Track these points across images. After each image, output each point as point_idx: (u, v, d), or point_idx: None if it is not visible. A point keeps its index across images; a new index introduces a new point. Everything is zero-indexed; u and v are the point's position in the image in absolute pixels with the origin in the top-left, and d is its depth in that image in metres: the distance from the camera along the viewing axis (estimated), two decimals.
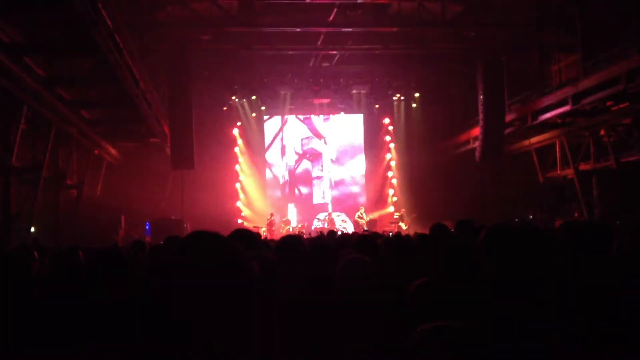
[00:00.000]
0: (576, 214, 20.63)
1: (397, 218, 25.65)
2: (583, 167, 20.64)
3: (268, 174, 28.39)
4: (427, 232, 6.60)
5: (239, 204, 27.04)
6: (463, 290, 2.89)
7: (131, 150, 25.23)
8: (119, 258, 3.48)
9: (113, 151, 24.56)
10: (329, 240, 6.83)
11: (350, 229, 25.13)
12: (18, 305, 2.81)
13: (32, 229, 16.30)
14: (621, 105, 17.85)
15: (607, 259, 4.03)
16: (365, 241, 4.95)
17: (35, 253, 5.02)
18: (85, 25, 12.25)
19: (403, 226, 24.52)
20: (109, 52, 14.05)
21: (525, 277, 3.20)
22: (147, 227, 23.01)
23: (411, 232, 16.67)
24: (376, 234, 9.63)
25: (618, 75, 16.16)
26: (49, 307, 2.88)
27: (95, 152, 22.88)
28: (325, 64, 25.24)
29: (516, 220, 19.72)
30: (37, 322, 2.75)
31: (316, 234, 17.87)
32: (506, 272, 3.27)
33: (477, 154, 23.30)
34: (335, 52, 23.99)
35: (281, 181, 28.38)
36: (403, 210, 26.09)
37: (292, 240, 4.61)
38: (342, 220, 26.73)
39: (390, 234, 14.37)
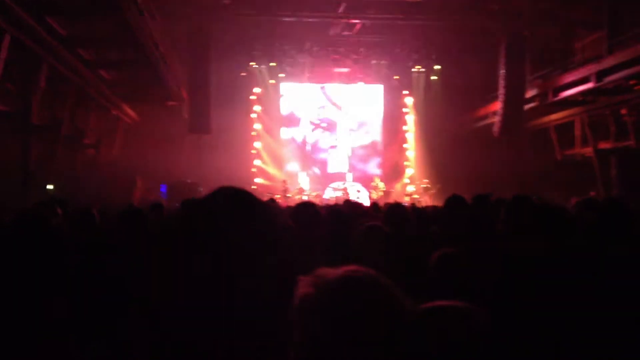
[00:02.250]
0: (593, 193, 20.48)
1: (423, 188, 25.52)
2: (602, 145, 20.44)
3: (284, 142, 28.34)
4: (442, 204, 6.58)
5: (254, 170, 27.07)
6: (483, 263, 2.89)
7: (149, 113, 25.28)
8: (141, 217, 3.51)
9: (131, 113, 24.63)
10: (346, 209, 6.83)
11: (364, 199, 25.11)
12: (39, 261, 2.84)
13: (50, 187, 16.44)
14: None
15: (628, 239, 4.01)
16: (397, 210, 4.90)
17: (59, 209, 5.06)
18: None
19: (425, 199, 24.38)
20: (130, 14, 14.02)
21: (542, 254, 3.21)
22: (163, 189, 23.13)
23: (431, 204, 16.66)
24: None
25: None
26: (70, 264, 2.92)
27: (114, 113, 22.96)
28: (346, 33, 25.00)
29: (534, 197, 19.56)
30: (57, 279, 2.77)
31: (331, 203, 17.87)
32: (523, 248, 3.28)
33: (496, 128, 23.11)
34: (356, 21, 23.74)
35: (296, 149, 28.32)
36: (427, 180, 25.87)
37: (308, 207, 4.62)
38: (357, 190, 26.70)
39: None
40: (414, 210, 6.70)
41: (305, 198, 24.56)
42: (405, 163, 28.46)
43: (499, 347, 1.88)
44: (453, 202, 5.31)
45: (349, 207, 6.73)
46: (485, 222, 3.75)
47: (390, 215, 4.75)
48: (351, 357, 1.45)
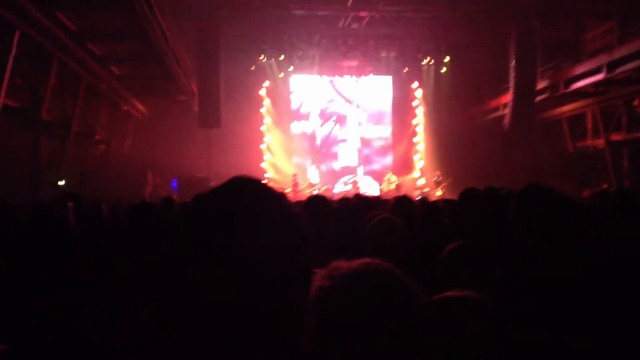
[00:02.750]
0: (605, 185, 20.37)
1: (435, 181, 25.47)
2: (614, 137, 20.31)
3: (293, 136, 28.33)
4: (454, 197, 6.54)
5: (264, 164, 27.07)
6: (496, 255, 2.88)
7: (159, 108, 25.36)
8: (152, 212, 3.51)
9: (141, 108, 24.69)
10: (357, 202, 6.82)
11: (375, 192, 25.08)
12: (51, 256, 2.85)
13: (62, 182, 16.52)
14: None
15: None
16: (403, 203, 4.89)
17: (70, 203, 5.08)
18: None
19: (438, 192, 24.32)
20: (140, 8, 14.03)
21: (555, 244, 3.18)
22: (174, 184, 23.21)
23: (443, 197, 16.61)
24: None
25: None
26: (79, 258, 2.93)
27: (124, 108, 23.03)
28: (355, 26, 24.91)
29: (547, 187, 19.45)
30: (66, 273, 2.78)
31: (341, 197, 17.87)
32: (537, 239, 3.25)
33: (507, 121, 23.02)
34: (365, 14, 23.65)
35: (306, 143, 28.31)
36: (438, 172, 25.79)
37: (319, 200, 4.61)
38: (368, 184, 26.68)
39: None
40: (423, 203, 6.67)
41: (315, 192, 24.56)
42: (415, 156, 28.38)
43: (510, 336, 1.88)
44: (468, 195, 5.29)
45: (360, 201, 6.72)
46: (496, 214, 3.73)
47: (397, 208, 4.74)
48: (366, 347, 1.45)
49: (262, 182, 1.31)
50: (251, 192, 1.25)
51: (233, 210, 1.18)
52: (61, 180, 16.56)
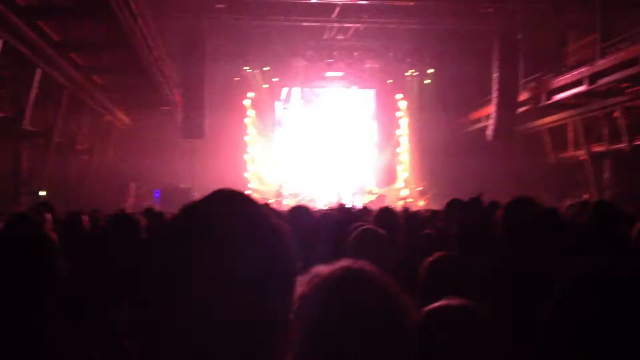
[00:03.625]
0: (586, 196, 20.51)
1: (419, 191, 25.58)
2: (595, 148, 20.47)
3: (278, 146, 28.31)
4: (437, 208, 6.56)
5: (247, 175, 26.99)
6: (478, 267, 2.87)
7: (142, 118, 25.23)
8: (133, 223, 3.48)
9: (124, 118, 24.57)
10: (340, 213, 6.82)
11: (358, 203, 25.07)
12: (27, 267, 2.79)
13: (43, 193, 16.37)
14: (637, 87, 17.64)
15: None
16: (386, 214, 4.87)
17: (48, 215, 5.02)
18: None
19: (421, 202, 24.41)
20: (123, 18, 13.98)
21: (537, 256, 3.20)
22: (156, 194, 23.08)
23: (426, 208, 16.65)
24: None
25: (635, 57, 15.93)
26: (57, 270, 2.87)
27: (107, 118, 22.90)
28: (340, 37, 25.00)
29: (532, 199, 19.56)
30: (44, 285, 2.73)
31: (325, 208, 17.84)
32: (521, 251, 3.26)
33: (490, 132, 23.15)
34: (350, 26, 23.74)
35: (290, 153, 28.30)
36: (424, 183, 25.90)
37: (303, 211, 4.60)
38: (351, 195, 26.68)
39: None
40: (406, 214, 6.67)
41: (298, 202, 24.48)
42: (399, 167, 28.46)
43: (499, 344, 1.87)
44: (453, 206, 5.30)
45: (343, 212, 6.72)
46: (479, 225, 3.74)
47: (380, 219, 4.72)
48: (352, 353, 1.42)
49: (244, 194, 1.26)
50: (232, 206, 1.21)
51: (213, 225, 1.15)
52: (42, 190, 16.41)
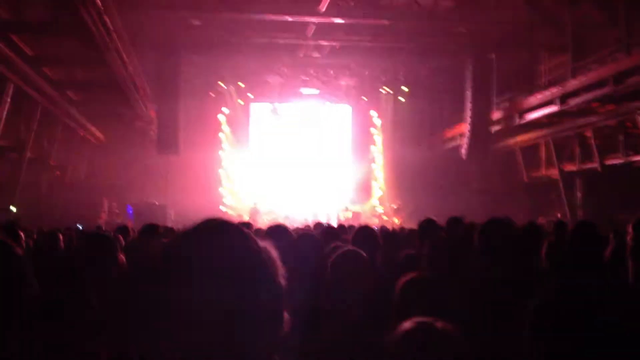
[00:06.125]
0: (559, 215, 20.73)
1: (394, 209, 25.68)
2: (567, 167, 20.72)
3: (252, 162, 28.26)
4: (412, 225, 6.58)
5: (221, 190, 26.86)
6: (452, 287, 2.88)
7: (116, 134, 25.03)
8: (108, 241, 3.43)
9: (98, 134, 24.36)
10: (316, 231, 6.81)
11: (333, 220, 25.07)
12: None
13: (14, 209, 16.14)
14: (608, 108, 17.91)
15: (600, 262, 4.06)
16: (366, 233, 4.85)
17: (21, 232, 4.94)
18: (75, 4, 12.11)
19: (395, 220, 24.51)
20: (97, 33, 13.90)
21: (515, 277, 3.22)
22: (129, 210, 22.85)
23: (403, 226, 16.70)
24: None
25: (606, 77, 16.18)
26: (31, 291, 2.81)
27: (81, 133, 22.69)
28: (316, 55, 25.09)
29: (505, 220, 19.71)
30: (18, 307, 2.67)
31: (301, 225, 17.79)
32: (497, 271, 3.29)
33: (463, 150, 23.35)
34: (326, 44, 23.85)
35: (266, 170, 28.26)
36: (399, 202, 26.01)
37: (282, 230, 4.58)
38: (326, 212, 26.66)
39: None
40: (384, 232, 6.68)
41: (274, 220, 24.38)
42: (374, 184, 28.55)
43: None
44: (427, 226, 5.32)
45: (320, 230, 6.71)
46: (459, 245, 3.76)
47: (358, 238, 4.70)
48: None
49: (232, 223, 1.26)
50: (220, 238, 1.21)
51: (201, 258, 1.15)
52: (13, 206, 16.18)
